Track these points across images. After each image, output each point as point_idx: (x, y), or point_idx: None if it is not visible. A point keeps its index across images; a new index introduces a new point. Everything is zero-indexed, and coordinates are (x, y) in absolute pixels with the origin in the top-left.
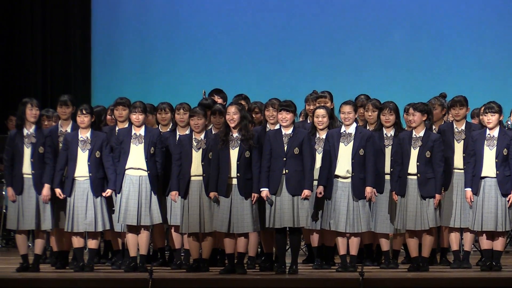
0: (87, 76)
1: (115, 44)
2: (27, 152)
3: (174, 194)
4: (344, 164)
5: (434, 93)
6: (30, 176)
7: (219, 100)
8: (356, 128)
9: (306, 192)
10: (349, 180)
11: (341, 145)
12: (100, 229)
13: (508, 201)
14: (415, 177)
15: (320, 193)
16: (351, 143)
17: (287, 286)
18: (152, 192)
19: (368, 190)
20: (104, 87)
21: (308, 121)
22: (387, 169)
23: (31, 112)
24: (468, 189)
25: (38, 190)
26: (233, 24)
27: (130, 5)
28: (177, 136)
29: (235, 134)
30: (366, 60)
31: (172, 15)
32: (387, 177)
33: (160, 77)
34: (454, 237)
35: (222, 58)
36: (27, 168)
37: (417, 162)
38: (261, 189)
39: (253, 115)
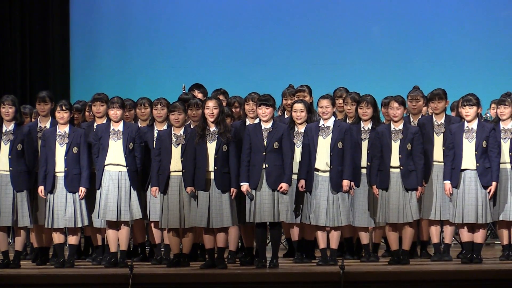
0: (66, 72)
1: (94, 40)
2: (5, 149)
3: (154, 190)
4: (323, 157)
5: (413, 86)
6: (8, 173)
7: (199, 95)
8: (334, 121)
9: (283, 186)
10: (328, 173)
11: (320, 138)
12: (79, 225)
13: (489, 193)
14: (398, 170)
15: (302, 186)
16: (330, 136)
17: (267, 281)
18: (132, 188)
19: (345, 183)
20: (83, 83)
21: (286, 116)
22: (364, 162)
23: (4, 110)
24: (447, 182)
25: (16, 187)
26: (212, 19)
27: (109, 1)
28: (155, 131)
29: (212, 128)
30: (345, 55)
31: (151, 10)
32: (364, 170)
33: (140, 73)
34: (434, 230)
35: (201, 53)
36: (4, 165)
37: (399, 154)
38: (241, 184)
39: (233, 110)
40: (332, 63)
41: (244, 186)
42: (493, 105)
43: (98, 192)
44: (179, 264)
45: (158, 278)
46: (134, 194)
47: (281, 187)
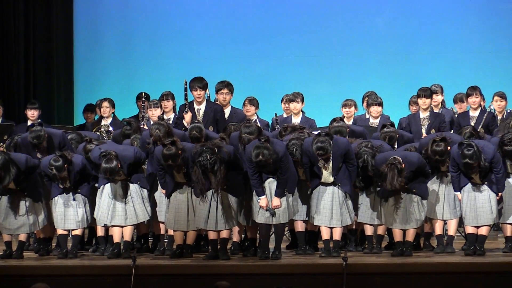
0: (69, 67)
1: (97, 34)
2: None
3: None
4: (327, 179)
5: (416, 78)
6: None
7: (198, 90)
8: (332, 152)
9: (274, 202)
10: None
11: (323, 171)
12: (90, 221)
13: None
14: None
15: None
16: (330, 165)
17: (270, 272)
18: (137, 191)
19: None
20: (86, 78)
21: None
22: None
23: None
24: (458, 193)
25: (32, 198)
26: (215, 11)
27: None
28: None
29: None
30: (349, 46)
31: (154, 4)
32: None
33: (143, 66)
34: (437, 222)
35: (204, 46)
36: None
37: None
38: (259, 198)
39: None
40: (336, 54)
41: (263, 201)
42: (496, 98)
43: (99, 192)
44: (182, 255)
45: (161, 269)
46: (138, 199)
47: (273, 204)
